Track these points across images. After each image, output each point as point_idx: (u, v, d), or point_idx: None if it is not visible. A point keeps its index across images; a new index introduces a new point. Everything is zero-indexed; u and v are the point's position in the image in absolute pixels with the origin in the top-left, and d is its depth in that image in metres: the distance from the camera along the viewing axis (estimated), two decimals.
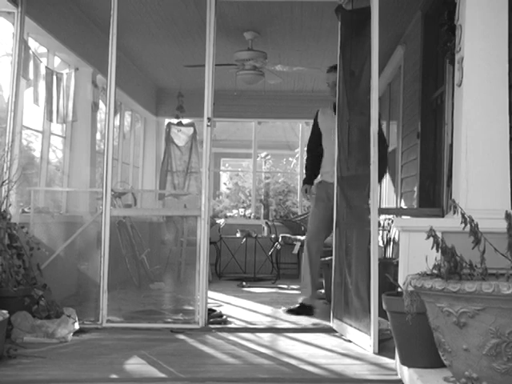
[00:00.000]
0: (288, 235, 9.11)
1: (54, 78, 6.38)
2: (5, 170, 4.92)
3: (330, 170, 5.55)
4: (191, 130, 9.85)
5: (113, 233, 5.22)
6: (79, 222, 6.49)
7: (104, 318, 4.92)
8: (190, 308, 5.43)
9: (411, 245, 3.54)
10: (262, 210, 11.89)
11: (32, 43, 5.95)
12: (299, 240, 8.86)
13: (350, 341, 4.58)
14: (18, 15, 5.19)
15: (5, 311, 3.86)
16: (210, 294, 5.23)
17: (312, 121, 6.04)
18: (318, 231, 5.74)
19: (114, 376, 3.60)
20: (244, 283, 8.21)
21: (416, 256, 3.23)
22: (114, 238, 5.36)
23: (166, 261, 8.01)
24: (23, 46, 5.39)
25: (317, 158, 5.86)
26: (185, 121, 9.92)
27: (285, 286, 8.00)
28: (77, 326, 4.57)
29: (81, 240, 6.24)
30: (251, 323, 5.29)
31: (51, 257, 5.51)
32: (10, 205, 4.99)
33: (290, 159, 13.14)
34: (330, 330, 4.95)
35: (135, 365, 3.86)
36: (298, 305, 5.81)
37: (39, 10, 5.46)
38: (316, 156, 5.87)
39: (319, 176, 5.91)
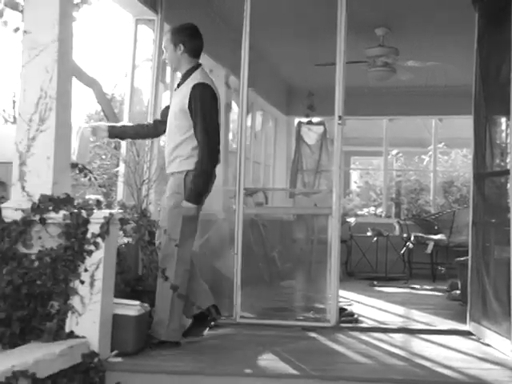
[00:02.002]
0: (421, 234, 8.89)
1: None
2: (145, 169, 5.16)
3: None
4: (321, 128, 9.84)
5: (245, 230, 5.32)
6: (213, 219, 6.67)
7: (238, 314, 5.03)
8: (321, 306, 5.43)
9: None
10: (394, 209, 11.67)
11: None
12: (433, 239, 8.62)
13: (488, 345, 4.40)
14: (157, 22, 5.43)
15: (146, 304, 4.05)
16: (341, 292, 5.20)
17: None
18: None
19: (248, 370, 3.69)
20: (375, 282, 8.11)
21: None
22: (246, 235, 5.46)
23: (297, 259, 8.05)
24: (162, 51, 5.62)
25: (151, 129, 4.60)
26: (315, 119, 9.93)
27: (417, 286, 7.81)
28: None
29: (215, 237, 6.41)
30: (383, 323, 5.21)
31: None
32: (149, 203, 5.23)
33: (423, 157, 12.79)
34: (466, 333, 4.77)
35: (268, 361, 3.93)
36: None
37: (177, 15, 5.67)
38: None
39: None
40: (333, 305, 4.96)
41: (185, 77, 4.28)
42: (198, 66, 4.32)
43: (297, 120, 10.28)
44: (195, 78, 4.20)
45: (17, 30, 3.86)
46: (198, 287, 4.34)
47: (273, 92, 9.71)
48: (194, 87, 4.12)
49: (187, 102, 4.12)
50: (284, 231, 8.68)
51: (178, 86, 4.33)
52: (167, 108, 4.45)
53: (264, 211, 7.50)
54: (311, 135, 9.83)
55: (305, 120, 9.93)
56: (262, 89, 8.42)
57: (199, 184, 4.13)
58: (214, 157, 4.14)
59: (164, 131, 4.40)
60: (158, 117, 4.92)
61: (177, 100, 4.24)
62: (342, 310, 5.18)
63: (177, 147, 4.19)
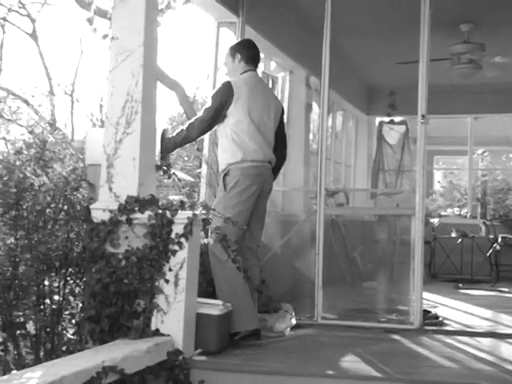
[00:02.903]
0: (509, 236, 8.60)
1: (270, 81, 6.65)
2: None
3: None
4: (403, 127, 9.68)
5: (326, 231, 5.30)
6: (294, 220, 6.68)
7: (319, 315, 5.01)
8: (404, 308, 5.35)
9: None
10: (479, 209, 11.34)
11: None
12: None
13: None
14: (239, 25, 5.50)
15: (229, 304, 4.10)
16: (425, 294, 5.10)
17: None
18: None
19: (330, 372, 3.67)
20: (460, 285, 7.91)
21: None
22: (327, 236, 5.44)
23: (379, 260, 7.96)
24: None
25: None
26: (397, 119, 9.78)
27: (506, 289, 7.55)
28: (294, 322, 4.71)
29: (296, 238, 6.42)
30: (469, 326, 5.07)
31: (269, 254, 5.74)
32: None
33: (511, 155, 12.38)
34: None
35: (350, 362, 3.90)
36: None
37: (258, 18, 5.72)
38: None
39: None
40: (416, 307, 4.86)
41: None
42: (247, 70, 4.47)
43: (378, 119, 10.16)
44: None
45: (105, 36, 3.99)
46: (245, 304, 4.21)
47: (353, 91, 9.63)
48: None
49: None
50: (365, 232, 8.60)
51: None
52: None
53: (345, 212, 7.46)
54: (393, 134, 9.69)
55: (386, 119, 9.80)
56: (342, 88, 8.36)
57: (173, 138, 4.36)
58: (186, 136, 4.37)
59: None
60: None
61: None
62: (425, 313, 5.08)
63: (219, 148, 4.43)
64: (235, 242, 4.16)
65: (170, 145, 4.37)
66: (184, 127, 4.39)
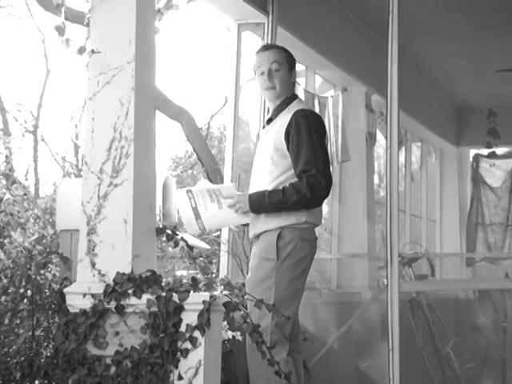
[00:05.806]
0: None
1: (316, 103, 6.71)
2: None
3: None
4: (511, 163, 9.68)
5: (403, 316, 5.28)
6: (356, 300, 6.66)
7: None
8: None
9: None
10: None
11: None
12: None
13: None
14: (268, 25, 5.58)
15: None
16: None
17: None
18: None
19: None
20: None
21: None
22: (404, 322, 5.41)
23: (484, 356, 7.86)
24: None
25: None
26: (500, 150, 9.78)
27: None
28: None
29: (359, 326, 6.39)
30: None
31: (322, 350, 5.71)
32: None
33: None
34: None
35: None
36: None
37: (295, 16, 5.81)
38: None
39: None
40: None
41: (279, 108, 4.44)
42: (295, 96, 4.53)
43: (473, 152, 10.16)
44: (294, 107, 4.38)
45: (82, 50, 4.08)
46: None
47: (435, 114, 9.66)
48: (295, 113, 4.30)
49: (284, 132, 4.28)
50: (461, 315, 8.53)
51: (269, 121, 4.49)
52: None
53: (430, 287, 7.41)
54: (496, 173, 9.69)
55: (485, 151, 9.80)
56: (418, 110, 8.40)
57: (283, 200, 4.14)
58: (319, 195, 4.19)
59: None
60: None
61: (269, 137, 4.40)
62: None
63: None
64: (287, 338, 4.18)
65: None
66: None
